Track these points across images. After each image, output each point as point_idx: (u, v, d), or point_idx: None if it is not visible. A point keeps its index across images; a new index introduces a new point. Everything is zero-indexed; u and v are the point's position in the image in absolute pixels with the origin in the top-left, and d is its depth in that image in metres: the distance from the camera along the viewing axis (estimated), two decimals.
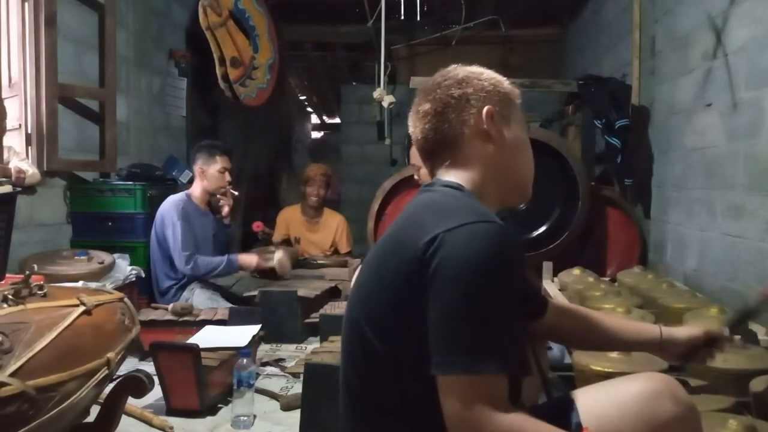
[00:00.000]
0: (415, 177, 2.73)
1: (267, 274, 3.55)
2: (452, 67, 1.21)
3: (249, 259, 3.43)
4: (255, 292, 3.19)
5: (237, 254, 3.46)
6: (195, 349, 2.11)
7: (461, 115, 1.15)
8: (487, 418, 0.92)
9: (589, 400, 1.10)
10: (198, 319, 2.80)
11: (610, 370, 1.66)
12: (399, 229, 1.08)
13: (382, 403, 1.07)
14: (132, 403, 1.88)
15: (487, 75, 1.20)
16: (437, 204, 1.08)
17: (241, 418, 2.01)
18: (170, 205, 3.35)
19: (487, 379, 0.93)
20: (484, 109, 1.14)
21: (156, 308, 2.96)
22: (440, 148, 1.18)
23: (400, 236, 1.05)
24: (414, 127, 1.21)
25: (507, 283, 0.96)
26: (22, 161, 2.96)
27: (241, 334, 2.37)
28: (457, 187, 1.12)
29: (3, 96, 2.95)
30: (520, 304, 1.02)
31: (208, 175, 3.46)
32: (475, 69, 1.21)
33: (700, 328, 1.39)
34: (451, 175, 1.16)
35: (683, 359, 1.39)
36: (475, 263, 0.95)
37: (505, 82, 1.21)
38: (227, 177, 3.50)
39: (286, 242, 4.48)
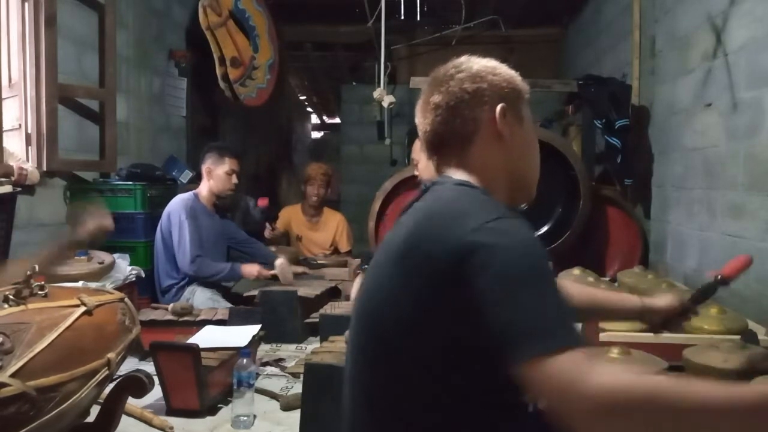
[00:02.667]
0: (415, 172, 2.78)
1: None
2: (465, 58, 1.19)
3: (251, 268, 3.43)
4: (255, 292, 3.19)
5: (239, 264, 3.47)
6: (195, 349, 2.11)
7: (474, 112, 1.13)
8: (587, 384, 0.85)
9: None
10: (198, 319, 2.80)
11: None
12: (416, 230, 1.04)
13: (406, 409, 1.03)
14: (132, 403, 1.88)
15: (502, 70, 1.18)
16: (455, 204, 1.05)
17: (241, 418, 2.01)
18: (178, 204, 3.36)
19: (572, 350, 0.89)
20: (498, 107, 1.13)
21: (156, 308, 2.96)
22: (449, 144, 1.16)
23: (421, 238, 1.01)
24: (423, 118, 1.18)
25: (546, 266, 0.96)
26: (19, 161, 2.96)
27: (241, 334, 2.37)
28: (469, 185, 1.11)
29: (3, 96, 2.95)
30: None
31: (214, 175, 3.47)
32: (490, 63, 1.19)
33: (675, 299, 1.53)
34: (460, 173, 1.14)
35: (661, 325, 1.54)
36: (515, 255, 0.94)
37: (518, 79, 1.19)
38: (234, 179, 3.50)
39: (285, 236, 4.50)
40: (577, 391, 0.85)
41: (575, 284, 1.61)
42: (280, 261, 3.50)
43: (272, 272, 3.47)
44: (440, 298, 0.97)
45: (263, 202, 4.46)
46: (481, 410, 1.00)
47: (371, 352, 1.07)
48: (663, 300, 1.52)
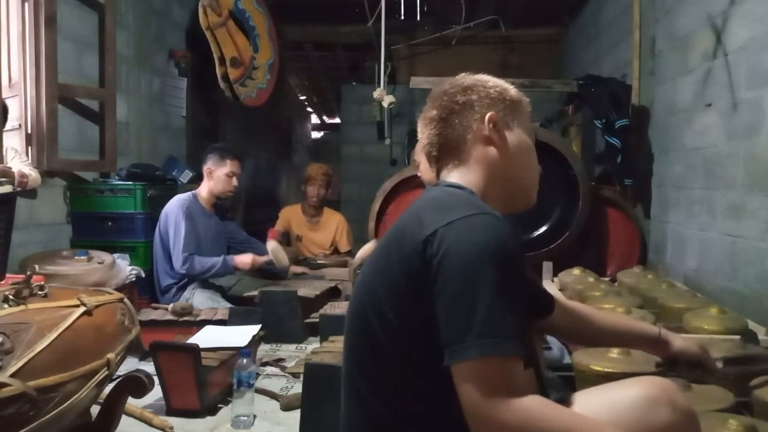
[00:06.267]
0: (418, 173, 2.81)
1: (267, 273, 3.55)
2: (461, 75, 1.25)
3: (244, 259, 3.43)
4: (255, 292, 3.19)
5: (232, 255, 3.46)
6: (195, 349, 2.11)
7: (464, 121, 1.18)
8: (506, 402, 0.91)
9: (585, 405, 1.10)
10: (198, 319, 2.80)
11: (610, 370, 1.65)
12: (401, 225, 1.10)
13: (388, 401, 1.07)
14: (132, 403, 1.89)
15: (494, 82, 1.22)
16: (437, 201, 1.10)
17: (241, 418, 2.01)
18: (175, 204, 3.37)
19: (502, 361, 0.93)
20: (487, 115, 1.17)
21: (156, 308, 2.97)
22: (445, 153, 1.21)
23: (403, 231, 1.07)
24: (421, 133, 1.25)
25: (509, 270, 0.97)
26: (23, 163, 2.95)
27: (241, 334, 2.38)
28: (459, 187, 1.15)
29: (3, 96, 2.95)
30: (526, 295, 1.03)
31: (215, 176, 3.47)
32: (483, 77, 1.24)
33: (697, 347, 1.43)
34: (455, 178, 1.19)
35: (668, 364, 1.45)
36: (476, 252, 0.96)
37: (511, 90, 1.23)
38: (234, 182, 3.50)
39: (285, 236, 4.49)
40: (496, 406, 0.91)
41: (600, 311, 1.59)
42: (272, 244, 3.49)
43: (265, 258, 3.46)
44: (411, 288, 1.01)
45: (273, 234, 4.41)
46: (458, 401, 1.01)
47: (361, 348, 1.11)
48: (680, 340, 1.43)
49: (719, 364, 1.45)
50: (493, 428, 0.92)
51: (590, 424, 0.96)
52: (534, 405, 0.93)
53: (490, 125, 1.17)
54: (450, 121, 1.19)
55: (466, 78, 1.23)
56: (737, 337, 1.97)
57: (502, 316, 0.94)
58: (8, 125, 3.05)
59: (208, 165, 3.49)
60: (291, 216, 4.64)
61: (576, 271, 3.11)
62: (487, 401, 0.91)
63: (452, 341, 0.94)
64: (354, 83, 7.55)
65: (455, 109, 1.19)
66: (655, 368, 1.52)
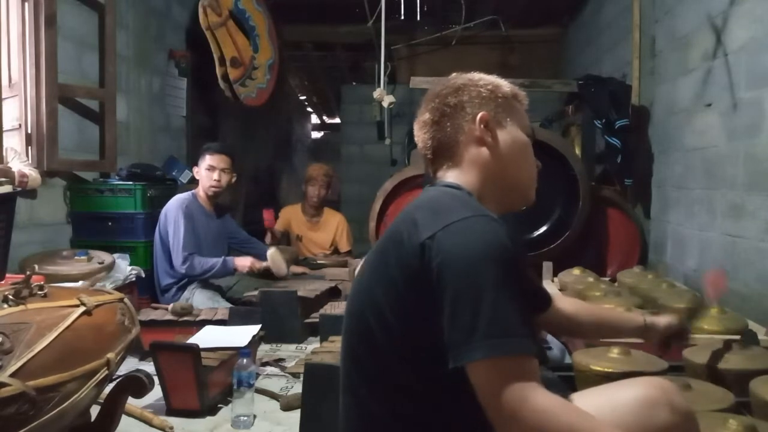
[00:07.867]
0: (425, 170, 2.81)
1: (265, 274, 3.55)
2: (454, 75, 1.24)
3: (244, 261, 3.43)
4: (255, 292, 3.19)
5: (232, 257, 3.47)
6: (195, 349, 2.11)
7: (456, 122, 1.18)
8: (524, 397, 0.91)
9: (585, 405, 1.09)
10: (198, 319, 2.80)
11: (611, 370, 1.66)
12: (398, 226, 1.09)
13: (386, 400, 1.07)
14: (132, 403, 1.88)
15: (486, 80, 1.21)
16: (433, 202, 1.10)
17: (241, 418, 2.01)
18: (175, 204, 3.38)
19: (514, 359, 0.93)
20: (478, 116, 1.17)
21: (156, 308, 2.96)
22: (439, 155, 1.21)
23: (400, 232, 1.06)
24: (417, 136, 1.26)
25: (511, 270, 0.97)
26: (23, 163, 2.95)
27: (241, 334, 2.37)
28: (455, 187, 1.15)
29: (3, 96, 2.95)
30: (529, 294, 1.02)
31: (199, 174, 3.51)
32: (475, 75, 1.23)
33: (675, 319, 1.53)
34: (451, 178, 1.19)
35: (662, 346, 1.54)
36: (477, 255, 0.96)
37: (504, 86, 1.22)
38: (215, 176, 3.47)
39: (285, 235, 4.49)
40: (513, 404, 0.91)
41: (579, 302, 1.64)
42: (271, 251, 3.50)
43: (265, 264, 3.47)
44: (410, 290, 1.01)
45: (269, 215, 4.39)
46: (457, 402, 1.02)
47: (359, 348, 1.11)
48: (664, 319, 1.52)
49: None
50: (514, 426, 0.92)
51: (605, 427, 0.96)
52: (549, 402, 0.93)
53: (482, 126, 1.16)
54: (442, 124, 1.19)
55: (457, 78, 1.22)
56: (737, 337, 1.97)
57: (509, 315, 0.94)
58: (8, 125, 3.05)
59: (196, 165, 3.52)
60: (291, 216, 4.64)
61: (576, 271, 3.11)
62: (503, 398, 0.91)
63: (459, 343, 0.94)
64: (354, 83, 7.55)
65: (446, 112, 1.18)
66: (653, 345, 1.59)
